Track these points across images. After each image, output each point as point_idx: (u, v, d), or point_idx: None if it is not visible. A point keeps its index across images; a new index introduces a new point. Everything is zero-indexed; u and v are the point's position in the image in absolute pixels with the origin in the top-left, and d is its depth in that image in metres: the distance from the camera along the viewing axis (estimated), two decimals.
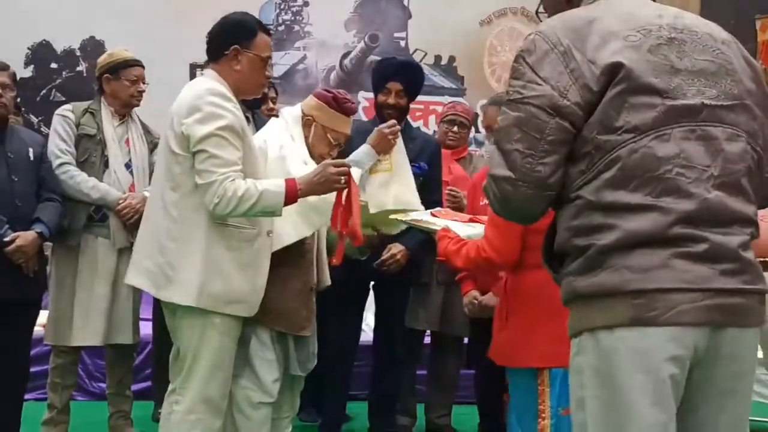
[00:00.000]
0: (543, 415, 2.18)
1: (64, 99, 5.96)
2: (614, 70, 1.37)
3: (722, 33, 1.52)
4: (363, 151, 3.05)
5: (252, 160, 2.43)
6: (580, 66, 1.38)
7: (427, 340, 3.86)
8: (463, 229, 2.38)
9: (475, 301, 3.06)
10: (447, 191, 3.46)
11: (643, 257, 1.33)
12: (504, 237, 2.21)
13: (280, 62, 6.21)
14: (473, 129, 4.38)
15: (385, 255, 3.21)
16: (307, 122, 2.75)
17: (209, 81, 2.42)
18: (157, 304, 3.83)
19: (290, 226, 2.53)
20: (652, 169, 1.35)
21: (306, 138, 2.73)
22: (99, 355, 4.12)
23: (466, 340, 3.71)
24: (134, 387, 3.71)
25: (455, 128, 3.80)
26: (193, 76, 6.10)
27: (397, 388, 3.51)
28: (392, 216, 2.70)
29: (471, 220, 2.49)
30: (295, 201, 2.37)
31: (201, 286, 2.31)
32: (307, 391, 3.02)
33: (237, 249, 2.38)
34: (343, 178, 2.41)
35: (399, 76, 3.39)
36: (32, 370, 3.35)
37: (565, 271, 1.44)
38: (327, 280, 2.81)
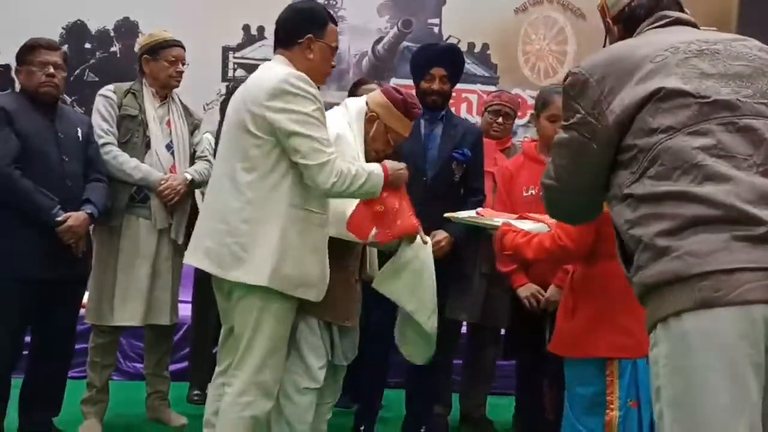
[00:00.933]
0: (611, 406, 2.16)
1: (97, 79, 5.99)
2: (645, 98, 1.51)
3: (759, 44, 1.63)
4: None
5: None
6: (614, 93, 1.56)
7: (464, 329, 3.84)
8: (523, 225, 2.37)
9: (540, 296, 3.05)
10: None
11: (702, 241, 1.37)
12: (580, 226, 2.19)
13: None
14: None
15: (431, 241, 3.19)
16: (371, 118, 2.73)
17: (286, 66, 2.42)
18: (198, 286, 3.92)
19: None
20: (690, 158, 1.43)
21: (366, 133, 2.72)
22: (135, 336, 4.15)
23: (503, 330, 3.69)
24: (170, 367, 3.72)
25: (500, 119, 3.76)
26: (225, 58, 6.11)
27: (433, 377, 3.49)
28: (447, 215, 2.66)
29: (520, 217, 2.47)
30: (387, 182, 2.48)
31: (275, 267, 2.31)
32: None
33: (309, 233, 2.38)
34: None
35: (443, 61, 3.36)
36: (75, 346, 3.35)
37: (633, 267, 1.49)
38: (375, 272, 2.79)
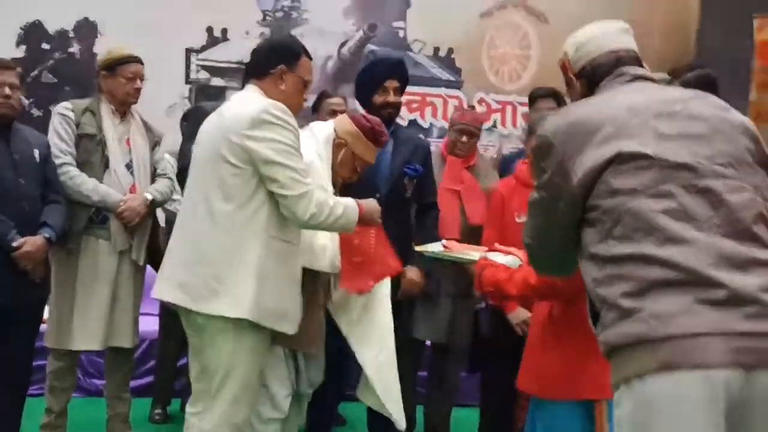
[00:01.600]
0: None
1: (55, 80, 5.89)
2: (605, 162, 1.55)
3: (717, 101, 1.67)
4: None
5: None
6: (575, 155, 1.60)
7: (428, 341, 3.86)
8: (501, 259, 2.31)
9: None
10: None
11: (665, 304, 1.39)
12: None
13: None
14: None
15: (405, 285, 3.23)
16: (338, 144, 2.75)
17: (262, 96, 2.42)
18: (165, 309, 3.89)
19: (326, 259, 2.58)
20: (652, 221, 1.47)
21: (333, 159, 2.72)
22: (95, 353, 4.08)
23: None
24: (132, 383, 3.68)
25: (464, 138, 3.72)
26: (188, 60, 6.01)
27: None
28: (418, 248, 2.66)
29: (489, 250, 2.44)
30: (361, 223, 2.51)
31: (255, 299, 2.27)
32: None
33: (286, 264, 2.37)
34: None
35: (395, 73, 3.41)
36: (34, 363, 3.28)
37: (600, 325, 1.53)
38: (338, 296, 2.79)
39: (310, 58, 2.56)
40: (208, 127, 2.46)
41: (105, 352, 3.58)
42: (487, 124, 5.97)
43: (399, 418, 2.76)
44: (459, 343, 3.65)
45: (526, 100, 6.37)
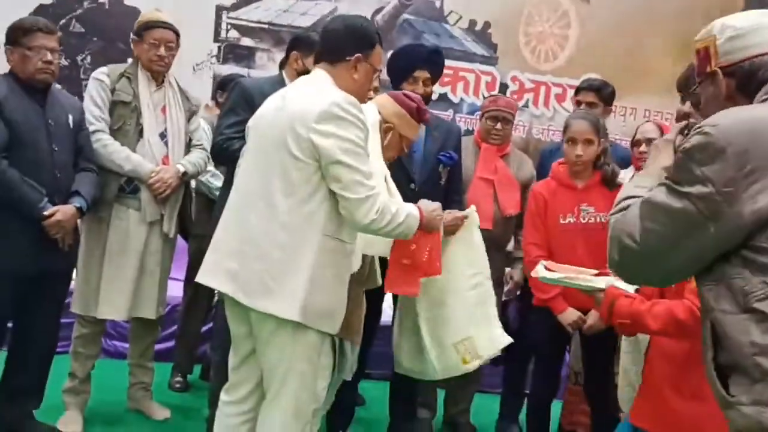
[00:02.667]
0: None
1: (83, 30, 5.78)
2: None
3: None
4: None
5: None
6: (758, 176, 1.29)
7: None
8: (624, 286, 2.15)
9: (581, 322, 3.02)
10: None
11: None
12: None
13: (310, 12, 6.00)
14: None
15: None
16: (387, 129, 2.69)
17: (333, 86, 2.30)
18: (193, 268, 3.85)
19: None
20: None
21: (380, 142, 2.66)
22: None
23: None
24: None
25: (498, 125, 3.62)
26: (219, 18, 5.90)
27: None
28: (534, 275, 2.56)
29: (599, 274, 2.28)
30: (422, 225, 2.44)
31: (306, 300, 2.18)
32: None
33: (339, 264, 2.28)
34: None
35: (427, 63, 3.29)
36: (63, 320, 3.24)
37: (746, 398, 1.31)
38: (377, 282, 2.74)
39: (382, 45, 2.42)
40: (269, 112, 2.34)
41: (130, 322, 3.58)
42: (519, 103, 5.85)
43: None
44: None
45: (560, 81, 6.33)
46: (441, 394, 3.82)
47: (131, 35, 3.35)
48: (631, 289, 2.20)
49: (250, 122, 2.43)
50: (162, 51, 3.28)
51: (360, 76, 2.34)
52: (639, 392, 2.20)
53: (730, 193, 1.30)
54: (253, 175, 2.32)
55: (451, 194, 3.38)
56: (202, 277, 2.38)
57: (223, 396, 2.46)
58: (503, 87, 6.05)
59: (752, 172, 1.29)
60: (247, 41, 6.00)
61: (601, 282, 2.27)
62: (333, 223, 2.24)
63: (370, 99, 2.90)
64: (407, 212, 2.34)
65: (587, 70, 5.49)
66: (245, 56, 5.96)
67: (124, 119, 3.25)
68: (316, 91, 2.28)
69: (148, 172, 3.22)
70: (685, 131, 1.64)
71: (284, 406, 2.27)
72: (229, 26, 5.97)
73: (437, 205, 2.58)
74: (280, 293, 2.18)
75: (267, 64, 5.98)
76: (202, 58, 5.90)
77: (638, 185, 1.58)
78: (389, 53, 5.82)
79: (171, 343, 4.17)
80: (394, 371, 3.47)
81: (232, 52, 5.96)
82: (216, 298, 4.11)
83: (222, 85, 4.18)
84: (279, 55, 5.61)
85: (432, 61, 3.32)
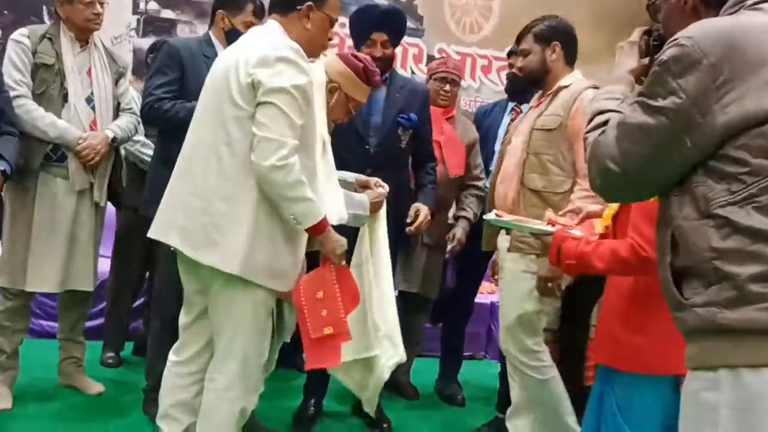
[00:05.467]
0: None
1: None
2: None
3: None
4: (362, 204, 2.70)
5: (310, 129, 2.26)
6: (731, 87, 1.30)
7: None
8: (577, 231, 2.17)
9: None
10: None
11: None
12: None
13: None
14: None
15: (419, 218, 3.16)
16: (332, 89, 2.63)
17: (283, 35, 2.23)
18: (120, 243, 3.76)
19: (333, 210, 2.41)
20: None
21: (326, 103, 2.61)
22: (43, 293, 3.92)
23: None
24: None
25: (447, 86, 3.66)
26: None
27: None
28: (487, 218, 2.48)
29: (549, 223, 2.30)
30: (316, 234, 2.23)
31: (247, 254, 2.13)
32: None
33: (283, 220, 2.20)
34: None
35: (384, 26, 3.22)
36: None
37: (700, 299, 1.34)
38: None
39: None
40: (216, 68, 2.29)
41: (58, 295, 3.44)
42: None
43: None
44: (431, 295, 3.66)
45: (486, 52, 6.40)
46: None
47: None
48: (578, 232, 2.25)
49: (207, 80, 2.35)
50: (98, 8, 3.16)
51: (313, 26, 2.28)
52: (596, 329, 2.26)
53: (704, 104, 1.31)
54: (201, 126, 2.26)
55: (420, 157, 3.35)
56: (153, 233, 2.31)
57: (172, 356, 2.41)
58: (430, 59, 6.06)
59: (725, 83, 1.30)
60: (167, 13, 5.83)
61: (551, 228, 2.30)
62: None
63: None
64: (315, 200, 2.18)
65: (512, 41, 5.52)
66: (166, 28, 5.79)
67: (48, 83, 3.11)
68: (264, 41, 2.23)
69: (76, 138, 3.09)
70: (649, 34, 1.67)
71: (232, 364, 2.24)
72: None
73: (343, 240, 2.35)
74: (223, 246, 2.15)
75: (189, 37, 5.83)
76: (121, 31, 5.69)
77: (610, 96, 1.58)
78: None
79: (100, 321, 4.04)
80: None
81: (152, 25, 5.78)
82: (147, 273, 4.02)
83: (151, 50, 4.05)
84: (201, 28, 5.47)
85: (387, 22, 3.24)
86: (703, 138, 1.32)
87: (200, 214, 2.17)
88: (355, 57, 2.70)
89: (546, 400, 2.82)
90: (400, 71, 5.91)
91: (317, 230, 2.22)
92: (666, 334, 1.88)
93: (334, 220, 2.38)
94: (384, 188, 2.77)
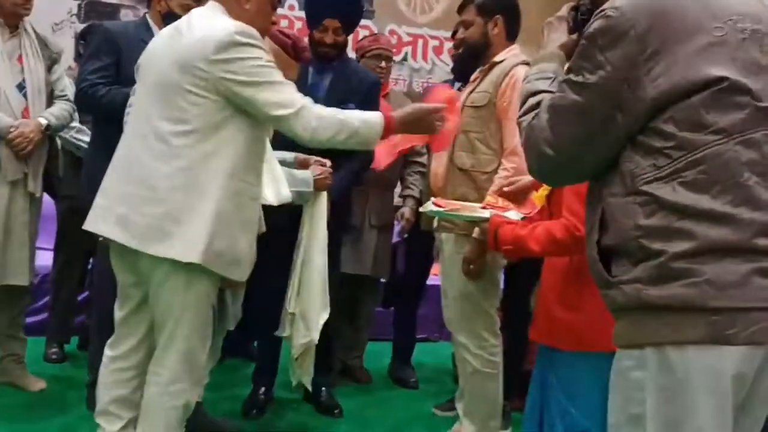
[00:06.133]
0: None
1: None
2: (707, 81, 1.26)
3: None
4: (304, 181, 2.72)
5: None
6: (659, 58, 1.27)
7: None
8: (513, 215, 2.17)
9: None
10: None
11: (722, 271, 1.25)
12: None
13: None
14: None
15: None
16: None
17: (226, 17, 2.16)
18: (62, 235, 3.63)
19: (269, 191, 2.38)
20: (737, 175, 1.26)
21: None
22: None
23: None
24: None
25: (382, 63, 3.65)
26: None
27: (331, 336, 3.44)
28: (422, 210, 2.49)
29: (485, 207, 2.29)
30: (390, 135, 2.26)
31: (208, 243, 2.06)
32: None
33: (244, 207, 2.16)
34: (438, 125, 2.32)
35: (336, 12, 3.14)
36: None
37: (627, 277, 1.32)
38: (262, 227, 2.65)
39: None
40: (159, 47, 2.20)
41: None
42: (397, 57, 5.85)
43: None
44: (382, 276, 3.63)
45: (437, 33, 6.36)
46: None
47: None
48: (515, 216, 2.24)
49: (140, 59, 2.27)
50: None
51: (252, 7, 2.21)
52: (535, 309, 2.26)
53: (632, 77, 1.28)
54: (143, 114, 2.17)
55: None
56: (90, 224, 2.21)
57: (108, 351, 2.34)
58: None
59: (654, 55, 1.27)
60: None
61: (486, 213, 2.29)
62: (239, 163, 2.12)
63: None
64: (364, 119, 2.20)
65: None
66: (108, 13, 5.65)
67: None
68: (208, 23, 2.15)
69: (7, 126, 2.98)
70: (577, 9, 1.63)
71: (175, 356, 2.18)
72: None
73: (419, 110, 2.31)
74: (180, 236, 2.06)
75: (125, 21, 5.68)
76: (62, 17, 5.54)
77: (541, 75, 1.55)
78: None
79: (44, 316, 3.93)
80: None
81: (93, 10, 5.63)
82: (90, 265, 3.91)
83: (83, 35, 3.92)
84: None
85: (340, 9, 3.17)
86: (633, 112, 1.30)
87: (151, 205, 2.08)
88: (283, 33, 2.66)
89: (478, 391, 2.81)
90: (350, 53, 5.93)
91: (387, 134, 2.23)
92: (602, 310, 1.92)
93: (274, 200, 2.33)
94: (325, 164, 2.73)
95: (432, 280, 4.24)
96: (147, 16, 3.06)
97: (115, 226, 2.13)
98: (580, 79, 1.34)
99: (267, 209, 2.53)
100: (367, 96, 3.21)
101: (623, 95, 1.29)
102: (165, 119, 2.10)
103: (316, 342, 2.79)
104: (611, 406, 1.42)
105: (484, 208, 2.39)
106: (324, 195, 2.74)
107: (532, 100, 1.50)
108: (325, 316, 2.79)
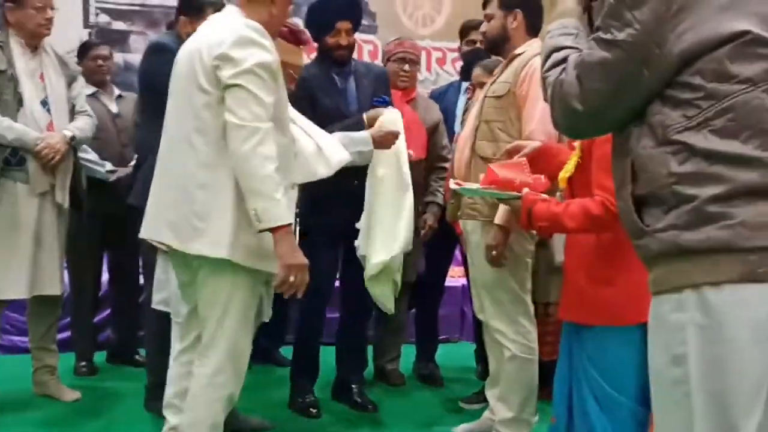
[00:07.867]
0: None
1: None
2: (732, 35, 1.32)
3: None
4: (362, 140, 2.76)
5: (282, 106, 2.26)
6: (684, 15, 1.32)
7: None
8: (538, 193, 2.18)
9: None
10: None
11: (755, 212, 1.29)
12: None
13: None
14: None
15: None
16: None
17: (241, 17, 2.22)
18: (72, 251, 3.65)
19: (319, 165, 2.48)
20: (764, 121, 1.31)
21: None
22: (9, 308, 3.83)
23: None
24: None
25: (406, 66, 3.66)
26: (86, 3, 5.67)
27: (363, 333, 3.52)
28: (453, 186, 2.49)
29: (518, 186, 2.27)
30: (275, 232, 2.11)
31: (234, 238, 2.11)
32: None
33: None
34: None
35: (347, 14, 3.27)
36: None
37: (661, 225, 1.36)
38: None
39: None
40: (182, 58, 2.27)
41: (24, 304, 3.39)
42: None
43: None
44: (410, 279, 3.64)
45: (440, 45, 6.47)
46: (369, 350, 3.76)
47: (5, 2, 3.17)
48: (544, 194, 2.27)
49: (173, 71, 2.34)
50: (50, 13, 3.16)
51: (279, 9, 2.29)
52: (563, 287, 2.27)
53: (659, 34, 1.33)
54: (174, 119, 2.26)
55: None
56: (144, 233, 2.30)
57: (176, 345, 2.42)
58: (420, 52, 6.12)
59: (679, 12, 1.33)
60: (119, 25, 5.81)
61: (517, 192, 2.28)
62: None
63: None
64: (283, 207, 2.11)
65: None
66: (119, 40, 5.75)
67: (1, 89, 3.09)
68: (223, 25, 2.23)
69: (34, 139, 3.07)
70: None
71: (220, 347, 2.22)
72: (98, 11, 5.76)
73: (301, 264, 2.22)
74: (209, 233, 2.13)
75: (143, 47, 5.79)
76: (73, 46, 5.63)
77: (563, 31, 1.59)
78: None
79: (66, 334, 3.96)
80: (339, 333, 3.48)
81: (104, 37, 5.73)
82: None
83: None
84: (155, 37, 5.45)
85: (350, 10, 3.32)
86: (660, 68, 1.34)
87: (183, 204, 2.16)
88: None
89: (515, 377, 2.82)
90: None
91: (273, 230, 2.11)
92: (632, 284, 1.97)
93: (326, 171, 2.45)
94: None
95: (450, 281, 4.29)
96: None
97: (166, 230, 2.21)
98: (609, 36, 1.38)
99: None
100: (387, 88, 3.39)
101: (651, 51, 1.34)
102: (186, 121, 2.18)
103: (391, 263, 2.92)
104: (652, 350, 1.45)
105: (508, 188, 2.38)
106: (390, 157, 2.92)
107: (556, 56, 1.54)
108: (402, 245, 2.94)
